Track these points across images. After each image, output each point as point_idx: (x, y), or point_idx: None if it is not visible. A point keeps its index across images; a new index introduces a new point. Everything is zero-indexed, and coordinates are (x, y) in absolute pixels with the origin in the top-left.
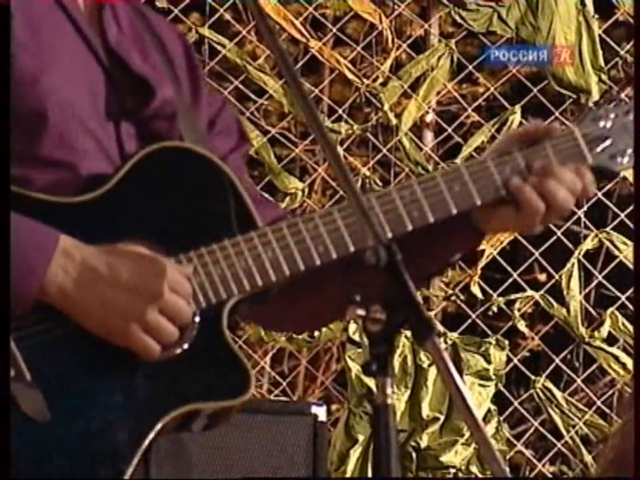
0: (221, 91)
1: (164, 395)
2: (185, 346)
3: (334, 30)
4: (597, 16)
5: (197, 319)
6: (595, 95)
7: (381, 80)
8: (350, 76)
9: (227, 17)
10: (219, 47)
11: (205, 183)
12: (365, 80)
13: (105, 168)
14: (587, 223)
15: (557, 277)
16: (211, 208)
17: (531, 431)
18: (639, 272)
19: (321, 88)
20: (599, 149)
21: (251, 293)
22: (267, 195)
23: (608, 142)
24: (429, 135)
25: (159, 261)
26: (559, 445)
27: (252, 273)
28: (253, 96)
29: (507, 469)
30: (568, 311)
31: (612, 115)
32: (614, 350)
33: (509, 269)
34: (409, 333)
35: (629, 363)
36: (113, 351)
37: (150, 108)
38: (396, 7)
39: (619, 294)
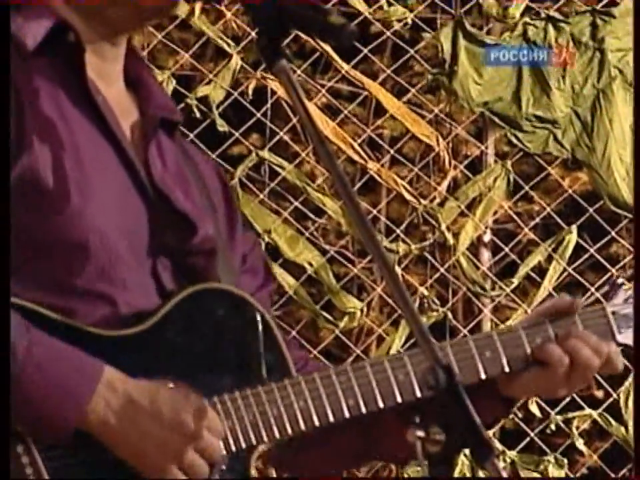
0: (280, 212)
1: None
2: None
3: (391, 152)
4: None
5: (225, 461)
6: None
7: (438, 200)
8: (407, 196)
9: (286, 138)
10: (278, 169)
11: (245, 327)
12: (422, 200)
13: (143, 301)
14: None
15: (614, 395)
16: (248, 352)
17: None
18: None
19: (378, 209)
20: (627, 328)
21: (279, 441)
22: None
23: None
24: (485, 254)
25: (200, 401)
26: None
27: (283, 422)
28: (311, 215)
29: None
30: (626, 429)
31: None
32: None
33: None
34: (467, 451)
35: None
36: None
37: (190, 244)
38: (452, 128)
39: None
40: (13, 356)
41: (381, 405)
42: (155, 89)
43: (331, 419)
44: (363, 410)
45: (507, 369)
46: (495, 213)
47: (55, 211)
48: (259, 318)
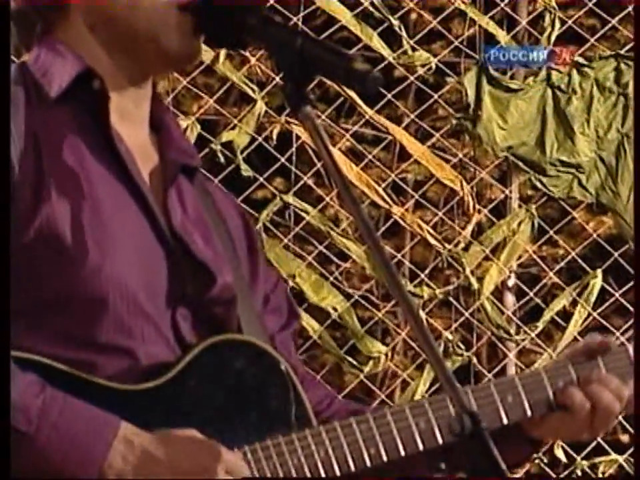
0: (304, 256)
1: None
2: None
3: (415, 196)
4: None
5: None
6: None
7: (462, 244)
8: (431, 240)
9: (310, 182)
10: (302, 213)
11: (265, 378)
12: (446, 244)
13: (163, 353)
14: None
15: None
16: (268, 404)
17: None
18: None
19: (403, 253)
20: None
21: None
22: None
23: None
24: (510, 298)
25: (215, 445)
26: None
27: (304, 472)
28: (336, 260)
29: None
30: None
31: None
32: None
33: None
34: None
35: None
36: None
37: (209, 295)
38: (477, 172)
39: None
40: (24, 415)
41: (402, 453)
42: (176, 134)
43: (352, 468)
44: (384, 458)
45: (529, 414)
46: (520, 257)
47: (73, 266)
48: (277, 367)
